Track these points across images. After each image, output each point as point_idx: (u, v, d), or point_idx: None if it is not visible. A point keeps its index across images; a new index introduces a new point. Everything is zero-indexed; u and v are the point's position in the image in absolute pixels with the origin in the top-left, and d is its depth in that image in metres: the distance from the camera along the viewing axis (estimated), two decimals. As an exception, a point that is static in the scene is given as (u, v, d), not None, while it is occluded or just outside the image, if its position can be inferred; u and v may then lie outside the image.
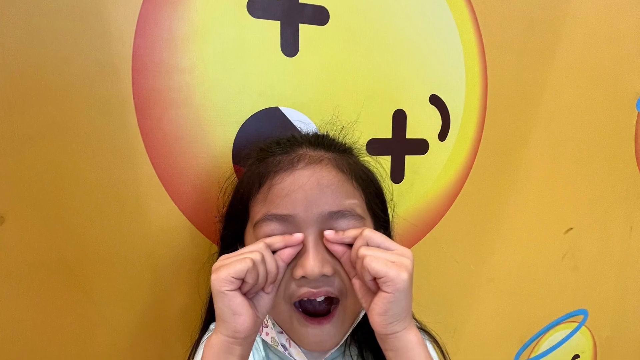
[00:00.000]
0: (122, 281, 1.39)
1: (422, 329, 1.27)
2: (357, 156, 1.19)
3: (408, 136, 1.48)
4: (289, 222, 0.98)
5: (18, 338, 1.35)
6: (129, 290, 1.41)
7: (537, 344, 1.78)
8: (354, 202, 1.02)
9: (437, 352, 1.24)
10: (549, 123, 1.55)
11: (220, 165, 1.32)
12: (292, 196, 0.97)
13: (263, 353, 1.21)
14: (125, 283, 1.39)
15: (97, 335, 1.40)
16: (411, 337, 0.97)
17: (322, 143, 1.10)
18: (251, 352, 1.08)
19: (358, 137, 1.35)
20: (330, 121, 1.31)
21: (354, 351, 1.21)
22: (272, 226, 0.99)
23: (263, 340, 1.20)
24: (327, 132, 1.25)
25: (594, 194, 1.64)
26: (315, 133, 1.20)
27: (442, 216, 1.55)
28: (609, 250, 1.71)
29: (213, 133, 1.30)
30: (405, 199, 1.51)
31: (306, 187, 0.97)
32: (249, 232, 1.06)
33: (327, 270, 0.99)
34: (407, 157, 1.50)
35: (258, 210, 1.02)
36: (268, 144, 1.14)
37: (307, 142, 1.09)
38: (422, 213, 1.54)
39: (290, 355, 1.10)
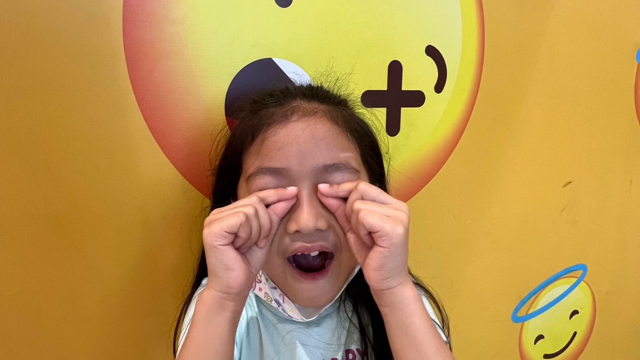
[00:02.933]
0: (112, 235, 1.42)
1: (418, 284, 1.29)
2: (352, 108, 1.20)
3: (404, 88, 1.49)
4: (282, 176, 0.99)
5: (6, 293, 1.38)
6: (120, 245, 1.44)
7: (535, 299, 1.81)
8: (349, 155, 1.02)
9: (433, 307, 1.27)
10: (547, 75, 1.56)
11: (212, 117, 1.33)
12: (286, 149, 0.97)
13: (256, 309, 1.24)
14: (116, 237, 1.42)
15: (87, 290, 1.44)
16: (407, 293, 0.99)
17: (317, 95, 1.10)
18: (244, 308, 1.10)
19: (353, 89, 1.33)
20: (324, 73, 1.31)
21: (348, 307, 1.24)
22: (265, 179, 1.00)
23: (256, 296, 1.23)
24: (321, 83, 1.25)
25: (593, 147, 1.65)
26: (310, 85, 1.21)
27: (439, 169, 1.57)
28: (608, 204, 1.73)
29: (205, 85, 1.31)
30: (401, 152, 1.52)
31: (300, 139, 0.97)
32: (242, 186, 1.07)
33: (322, 224, 0.99)
34: (402, 109, 1.51)
35: (251, 163, 1.02)
36: (261, 96, 1.14)
37: (301, 93, 1.09)
38: (418, 166, 1.56)
39: (284, 311, 1.13)
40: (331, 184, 0.99)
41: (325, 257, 1.06)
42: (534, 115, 1.58)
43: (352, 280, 1.17)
